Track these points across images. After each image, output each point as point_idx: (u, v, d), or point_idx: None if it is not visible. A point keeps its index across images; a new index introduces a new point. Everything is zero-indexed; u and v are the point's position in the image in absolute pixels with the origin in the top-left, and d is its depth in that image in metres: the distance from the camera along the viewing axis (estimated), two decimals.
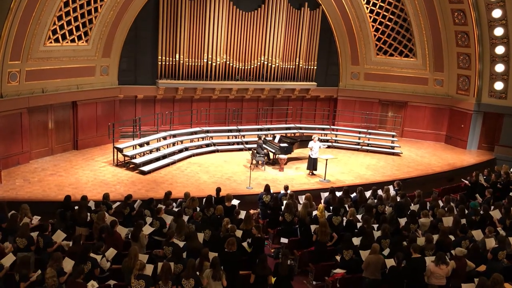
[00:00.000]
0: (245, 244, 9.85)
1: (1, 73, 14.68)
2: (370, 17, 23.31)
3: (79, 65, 17.96)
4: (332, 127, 23.58)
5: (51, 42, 16.56)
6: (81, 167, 16.64)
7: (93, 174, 16.07)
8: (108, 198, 11.75)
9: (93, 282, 7.95)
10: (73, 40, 17.38)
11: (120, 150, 17.18)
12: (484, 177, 15.43)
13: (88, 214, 10.87)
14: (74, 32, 17.27)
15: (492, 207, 12.61)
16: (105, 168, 16.80)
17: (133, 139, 18.58)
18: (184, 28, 20.32)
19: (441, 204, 12.91)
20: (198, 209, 11.66)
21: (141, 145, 18.28)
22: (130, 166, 16.99)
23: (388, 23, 23.27)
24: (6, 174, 15.21)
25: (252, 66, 22.36)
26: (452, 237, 10.36)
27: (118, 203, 12.05)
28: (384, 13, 23.08)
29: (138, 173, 16.51)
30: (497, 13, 20.61)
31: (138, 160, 17.02)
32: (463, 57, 22.23)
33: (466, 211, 12.18)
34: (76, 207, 10.92)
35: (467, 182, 15.57)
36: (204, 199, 12.15)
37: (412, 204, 12.91)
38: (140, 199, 12.56)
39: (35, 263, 8.74)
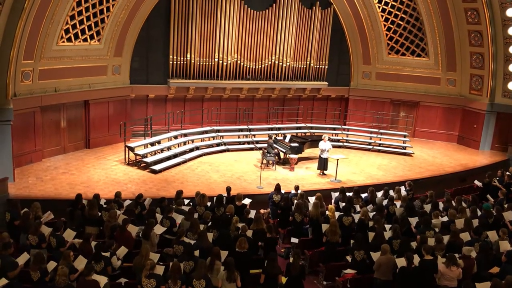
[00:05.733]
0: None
1: (14, 72, 14.80)
2: (382, 16, 23.16)
3: (91, 64, 18.07)
4: (343, 127, 23.48)
5: (63, 42, 16.69)
6: (93, 166, 16.75)
7: (104, 172, 16.17)
8: (120, 197, 11.81)
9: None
10: (85, 40, 17.50)
11: (131, 149, 17.27)
12: (497, 178, 15.26)
13: (99, 212, 10.96)
14: (87, 32, 17.39)
15: (506, 206, 12.48)
16: (117, 166, 16.89)
17: (145, 138, 18.66)
18: (195, 28, 20.36)
19: (453, 205, 12.80)
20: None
21: (152, 144, 18.35)
22: (142, 165, 17.06)
23: (400, 22, 23.09)
24: (19, 172, 15.37)
25: (263, 66, 22.33)
26: (466, 235, 10.25)
27: (129, 202, 12.12)
28: (396, 12, 22.92)
29: (149, 172, 16.58)
30: (511, 12, 20.35)
31: (149, 159, 17.09)
32: (476, 56, 21.99)
33: (479, 212, 12.06)
34: (86, 205, 11.01)
35: (479, 184, 15.42)
36: (215, 198, 12.16)
37: (424, 205, 12.82)
38: (151, 198, 12.63)
39: (47, 260, 8.80)
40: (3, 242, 8.57)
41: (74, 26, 16.83)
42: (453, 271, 8.74)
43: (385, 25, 23.36)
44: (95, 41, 17.91)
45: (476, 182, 15.94)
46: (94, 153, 18.21)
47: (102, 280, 7.93)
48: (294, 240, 11.27)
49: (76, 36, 17.08)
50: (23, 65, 15.29)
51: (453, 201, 13.02)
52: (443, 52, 22.83)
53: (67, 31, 16.64)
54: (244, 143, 20.97)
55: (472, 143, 22.68)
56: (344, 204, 12.41)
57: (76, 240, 9.68)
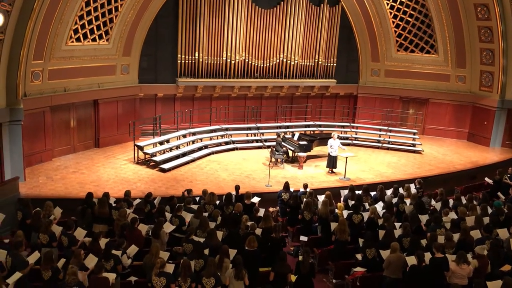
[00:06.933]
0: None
1: (24, 73, 14.91)
2: (391, 13, 23.02)
3: (100, 64, 18.17)
4: (352, 124, 23.40)
5: (72, 42, 16.79)
6: (102, 165, 16.85)
7: (114, 171, 16.26)
8: (129, 196, 11.87)
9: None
10: (94, 39, 17.60)
11: (140, 148, 17.34)
12: (508, 175, 15.13)
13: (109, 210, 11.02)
14: (95, 31, 17.49)
15: None
16: (126, 165, 16.98)
17: (153, 137, 18.74)
18: (203, 26, 20.38)
19: (464, 202, 12.71)
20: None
21: (161, 143, 18.41)
22: (151, 163, 17.13)
23: (409, 19, 22.94)
24: (30, 172, 15.49)
25: (271, 64, 22.30)
26: (477, 233, 10.17)
27: (138, 200, 12.18)
28: (405, 9, 22.77)
29: (158, 170, 16.63)
30: None
31: (158, 158, 17.15)
32: (486, 53, 21.79)
33: (490, 210, 11.96)
34: (97, 203, 11.09)
35: (490, 181, 15.29)
36: (224, 197, 12.19)
37: (433, 201, 12.74)
38: (161, 196, 12.68)
39: (58, 259, 8.87)
40: (15, 240, 8.65)
41: (83, 26, 16.93)
42: (463, 269, 8.67)
43: (393, 22, 23.22)
44: (103, 41, 18.00)
45: (486, 179, 15.81)
46: (104, 152, 18.31)
47: (111, 276, 8.00)
48: (303, 238, 11.25)
49: (85, 36, 17.18)
50: (33, 65, 15.41)
51: (463, 199, 12.92)
52: (452, 49, 22.65)
53: (76, 31, 16.74)
54: (252, 141, 20.98)
55: (482, 140, 22.49)
56: (353, 202, 12.37)
57: (86, 238, 9.74)
